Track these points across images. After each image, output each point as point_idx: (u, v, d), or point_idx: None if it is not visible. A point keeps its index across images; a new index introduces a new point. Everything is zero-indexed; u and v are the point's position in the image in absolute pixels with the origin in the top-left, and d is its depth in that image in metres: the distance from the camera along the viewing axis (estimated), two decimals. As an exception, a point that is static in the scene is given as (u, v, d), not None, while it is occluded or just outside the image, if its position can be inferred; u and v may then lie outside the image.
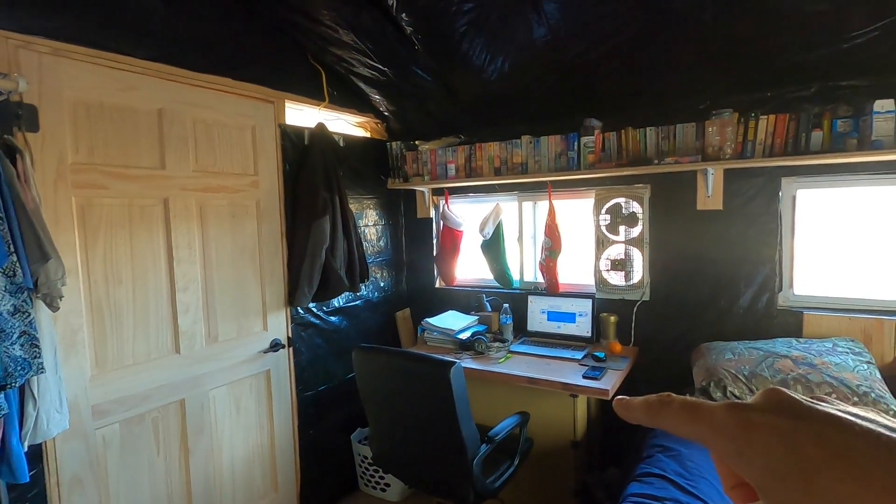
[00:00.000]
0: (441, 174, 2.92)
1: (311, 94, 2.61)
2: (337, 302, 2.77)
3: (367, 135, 3.13)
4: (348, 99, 2.86)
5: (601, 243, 2.67)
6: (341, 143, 2.77)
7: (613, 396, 2.04)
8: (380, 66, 2.58)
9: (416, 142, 3.08)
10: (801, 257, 2.27)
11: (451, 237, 3.13)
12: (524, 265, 3.03)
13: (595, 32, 2.11)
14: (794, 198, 2.25)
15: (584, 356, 2.43)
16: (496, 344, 2.66)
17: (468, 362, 2.44)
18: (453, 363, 1.80)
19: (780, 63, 2.07)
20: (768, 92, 2.21)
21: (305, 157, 2.50)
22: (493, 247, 2.97)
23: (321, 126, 2.56)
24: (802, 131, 2.06)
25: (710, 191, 2.34)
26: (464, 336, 2.70)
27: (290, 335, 2.50)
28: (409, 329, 3.26)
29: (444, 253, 3.16)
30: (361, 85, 2.80)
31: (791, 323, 2.24)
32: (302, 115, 2.64)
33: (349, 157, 2.80)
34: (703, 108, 2.34)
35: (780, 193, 2.25)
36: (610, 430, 2.60)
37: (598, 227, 2.67)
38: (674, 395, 0.26)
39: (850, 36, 1.88)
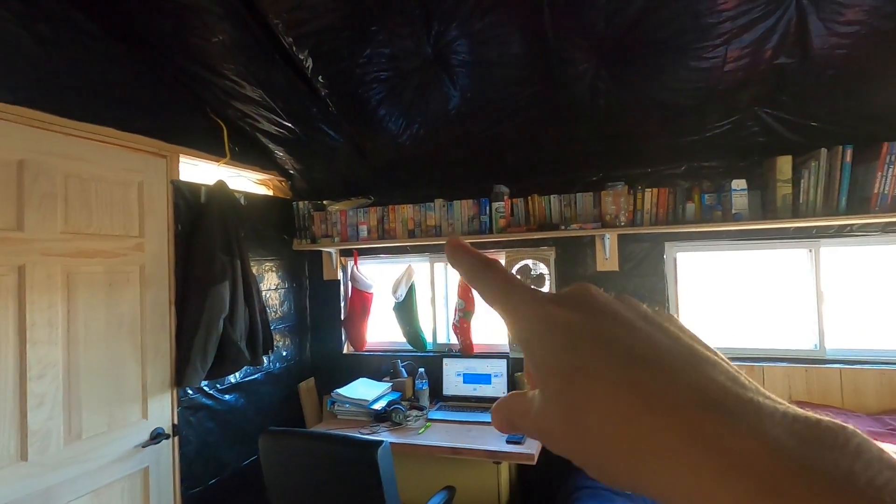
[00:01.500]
0: (352, 235, 2.83)
1: (211, 149, 2.41)
2: (234, 377, 2.45)
3: (271, 193, 2.95)
4: (252, 155, 2.68)
5: (512, 303, 2.75)
6: (243, 202, 2.57)
7: (538, 461, 2.03)
8: (288, 125, 2.49)
9: (325, 202, 2.97)
10: (685, 311, 2.55)
11: (361, 300, 3.00)
12: (437, 327, 3.00)
13: (505, 108, 2.27)
14: (675, 260, 2.55)
15: (504, 419, 2.41)
16: (413, 412, 2.53)
17: (387, 436, 2.28)
18: (380, 443, 1.66)
19: (657, 145, 2.40)
20: (649, 168, 2.54)
21: (202, 217, 2.26)
22: (405, 309, 2.90)
23: (221, 183, 2.35)
24: (679, 203, 2.38)
25: (608, 253, 2.56)
26: (379, 406, 2.54)
27: (175, 422, 2.13)
28: (313, 402, 2.99)
29: (354, 316, 3.01)
30: (266, 141, 2.66)
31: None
32: (199, 171, 2.41)
33: (251, 217, 2.60)
34: (596, 179, 2.61)
35: (665, 256, 2.54)
36: (532, 492, 2.57)
37: (508, 287, 2.75)
38: (500, 265, 0.25)
39: (709, 127, 2.25)
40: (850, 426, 0.16)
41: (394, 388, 2.75)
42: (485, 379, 2.71)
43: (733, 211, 2.25)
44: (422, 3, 1.78)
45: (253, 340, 2.33)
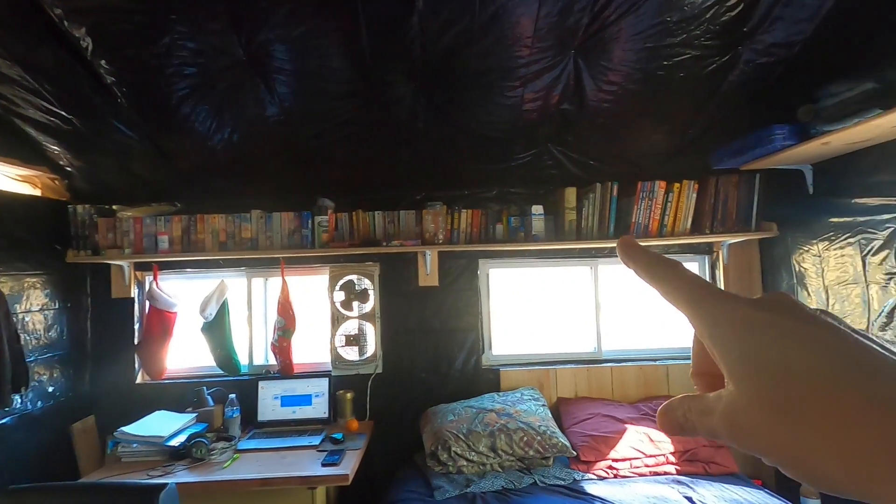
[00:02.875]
0: (149, 247, 2.46)
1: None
2: (-35, 426, 1.91)
3: (38, 193, 2.42)
4: (9, 146, 2.17)
5: (336, 320, 2.69)
6: (-10, 202, 2.05)
7: (351, 479, 2.00)
8: (62, 113, 2.08)
9: (114, 206, 2.54)
10: (497, 324, 2.80)
11: (161, 320, 2.62)
12: (254, 348, 2.77)
13: (329, 121, 2.23)
14: (487, 275, 2.79)
15: (322, 440, 2.33)
16: (220, 444, 2.28)
17: (183, 475, 2.01)
18: (163, 486, 1.45)
19: (472, 169, 2.61)
20: (465, 191, 2.74)
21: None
22: (216, 329, 2.63)
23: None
24: (490, 224, 2.61)
25: (429, 269, 2.68)
26: (177, 442, 2.22)
27: None
28: (91, 445, 2.50)
29: (151, 340, 2.61)
30: (31, 131, 2.18)
31: (492, 379, 2.69)
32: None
33: (3, 222, 2.09)
34: (419, 198, 2.72)
35: (479, 272, 2.75)
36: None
37: (332, 303, 2.69)
38: (682, 265, 0.25)
39: (514, 157, 2.52)
40: None
41: (199, 419, 2.44)
42: (305, 400, 2.58)
43: (533, 232, 2.55)
44: (228, 0, 1.65)
45: (-3, 376, 1.85)
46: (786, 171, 2.32)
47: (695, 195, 2.47)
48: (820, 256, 2.26)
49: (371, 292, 2.70)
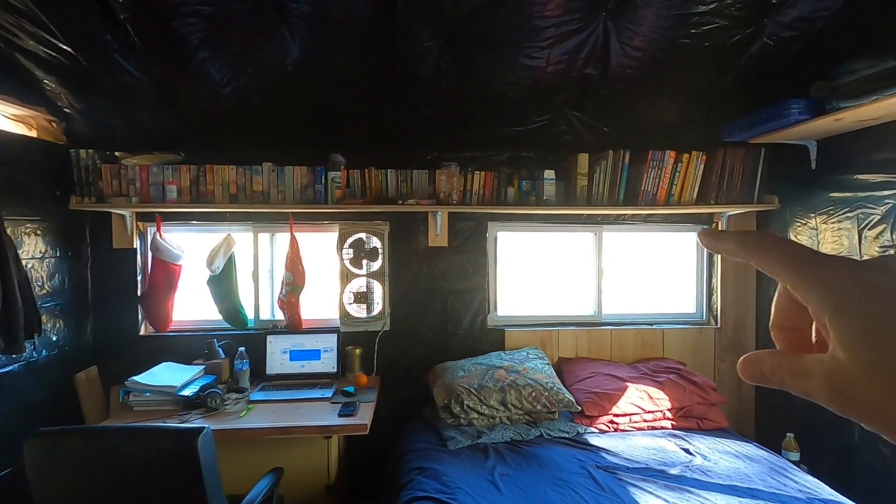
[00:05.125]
0: (156, 196, 2.39)
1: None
2: (-26, 371, 1.87)
3: (34, 134, 2.29)
4: (3, 81, 2.04)
5: (345, 277, 2.70)
6: (-9, 142, 1.95)
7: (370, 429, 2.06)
8: (67, 49, 1.96)
9: (117, 153, 2.44)
10: (503, 285, 2.86)
11: (166, 272, 2.58)
12: (260, 303, 2.76)
13: (347, 74, 2.18)
14: (496, 238, 2.83)
15: (335, 393, 2.37)
16: (233, 395, 2.30)
17: (204, 423, 2.02)
18: (201, 429, 1.47)
19: (487, 131, 2.60)
20: (477, 153, 2.74)
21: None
22: (223, 283, 2.60)
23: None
24: (502, 187, 2.63)
25: (439, 230, 2.70)
26: (189, 392, 2.23)
27: None
28: (96, 396, 2.48)
29: (156, 292, 2.57)
30: (30, 66, 2.05)
31: (497, 339, 2.77)
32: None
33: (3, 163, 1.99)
34: (431, 158, 2.70)
35: (488, 234, 2.79)
36: (363, 464, 2.60)
37: (341, 260, 2.69)
38: (775, 232, 0.26)
39: (529, 121, 2.53)
40: None
41: (207, 372, 2.45)
42: (314, 355, 2.61)
43: (544, 197, 2.58)
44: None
45: (9, 321, 1.80)
46: (791, 147, 2.40)
47: (702, 166, 2.54)
48: (817, 230, 2.38)
49: (380, 251, 2.71)
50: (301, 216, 2.63)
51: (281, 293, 2.64)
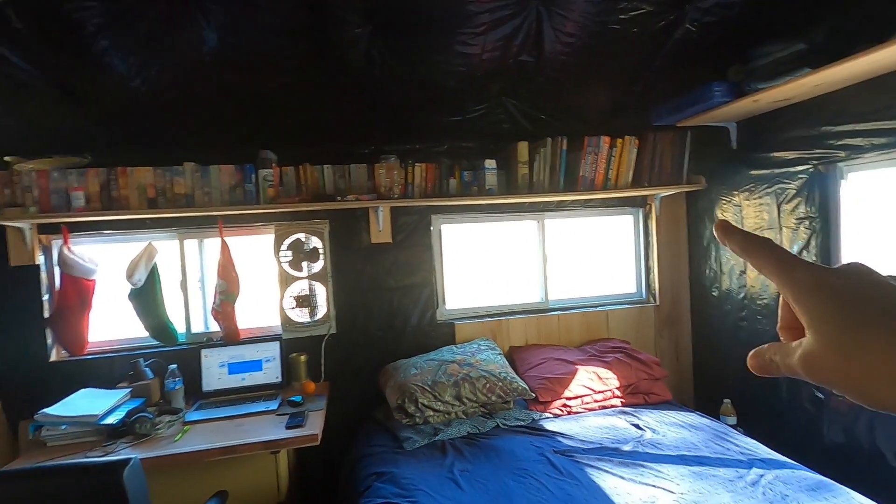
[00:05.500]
0: (60, 205, 2.13)
1: None
2: None
3: None
4: None
5: (284, 281, 2.55)
6: None
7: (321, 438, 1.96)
8: (-68, 38, 1.68)
9: (8, 158, 2.15)
10: (450, 279, 2.82)
11: (78, 289, 2.31)
12: (192, 315, 2.55)
13: (273, 63, 2.03)
14: (440, 231, 2.78)
15: (280, 404, 2.24)
16: (165, 418, 2.10)
17: (132, 452, 1.83)
18: (127, 461, 1.31)
19: (424, 122, 2.54)
20: (416, 144, 2.67)
21: None
22: (146, 296, 2.37)
23: None
24: (444, 179, 2.58)
25: (381, 226, 2.61)
26: (113, 420, 2.01)
27: None
28: (1, 434, 2.19)
29: (68, 312, 2.30)
30: None
31: (447, 333, 2.73)
32: None
33: None
34: (367, 152, 2.60)
35: (431, 228, 2.73)
36: (317, 477, 2.47)
37: (279, 264, 2.54)
38: (772, 241, 0.30)
39: (467, 109, 2.49)
40: None
41: (134, 395, 2.22)
42: (255, 366, 2.45)
43: (486, 187, 2.57)
44: None
45: None
46: (714, 128, 2.53)
47: (635, 150, 2.62)
48: (740, 206, 2.52)
49: (321, 251, 2.58)
50: (231, 219, 2.45)
51: (214, 303, 2.45)
